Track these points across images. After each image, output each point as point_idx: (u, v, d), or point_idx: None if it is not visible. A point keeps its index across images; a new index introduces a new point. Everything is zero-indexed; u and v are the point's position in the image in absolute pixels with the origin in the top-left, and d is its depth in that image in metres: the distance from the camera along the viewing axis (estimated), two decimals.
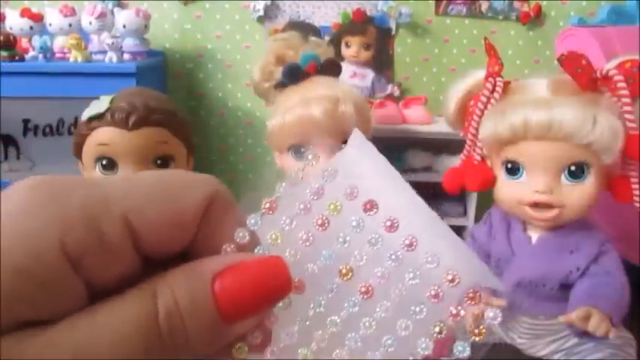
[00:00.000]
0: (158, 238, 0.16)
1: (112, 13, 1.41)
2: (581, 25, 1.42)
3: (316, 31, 1.59)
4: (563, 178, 0.81)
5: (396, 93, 1.61)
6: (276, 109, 0.99)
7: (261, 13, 1.62)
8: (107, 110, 0.84)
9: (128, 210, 0.16)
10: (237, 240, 0.18)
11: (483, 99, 0.85)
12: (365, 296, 0.19)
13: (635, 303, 0.84)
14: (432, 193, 1.43)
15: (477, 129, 0.86)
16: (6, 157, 1.37)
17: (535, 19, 1.63)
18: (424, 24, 1.65)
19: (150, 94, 0.91)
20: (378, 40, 1.58)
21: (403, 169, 1.44)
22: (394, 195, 0.20)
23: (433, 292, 0.19)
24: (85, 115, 0.86)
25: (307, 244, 0.19)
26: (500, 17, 1.64)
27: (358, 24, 1.54)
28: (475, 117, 0.86)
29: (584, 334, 0.81)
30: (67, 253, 0.14)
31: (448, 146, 1.42)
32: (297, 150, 0.98)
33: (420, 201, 0.20)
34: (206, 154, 1.74)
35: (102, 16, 1.37)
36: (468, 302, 0.19)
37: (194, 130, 0.98)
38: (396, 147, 1.44)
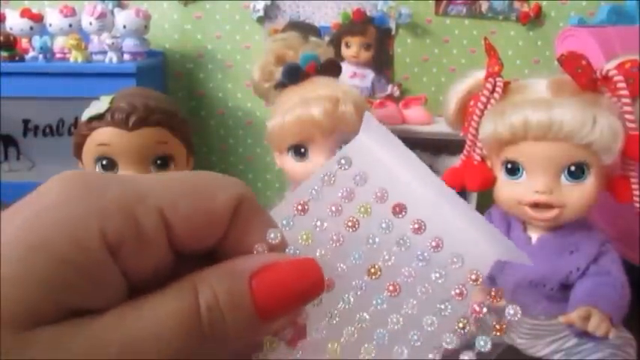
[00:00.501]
0: (190, 234, 0.17)
1: (112, 13, 1.41)
2: (581, 26, 1.42)
3: (316, 31, 1.59)
4: (563, 179, 0.81)
5: (396, 93, 1.61)
6: (276, 110, 0.99)
7: (261, 13, 1.62)
8: (107, 110, 0.84)
9: (163, 204, 0.16)
10: (269, 240, 0.18)
11: (483, 99, 0.85)
12: (393, 294, 0.20)
13: (635, 303, 0.84)
14: None
15: (476, 129, 0.86)
16: (6, 158, 1.37)
17: (535, 19, 1.63)
18: (424, 24, 1.65)
19: (150, 94, 0.91)
20: (378, 40, 1.57)
21: None
22: (410, 179, 0.21)
23: (458, 291, 0.20)
24: (85, 115, 0.86)
25: (337, 244, 0.20)
26: (500, 17, 1.64)
27: (358, 24, 1.54)
28: (475, 117, 0.86)
29: (584, 335, 0.81)
30: (106, 242, 0.15)
31: (448, 146, 1.42)
32: (297, 150, 0.98)
33: (436, 181, 0.21)
34: (206, 154, 1.74)
35: (102, 16, 1.37)
36: (489, 299, 0.20)
37: (194, 130, 0.98)
38: None
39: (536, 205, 0.83)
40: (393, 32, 1.64)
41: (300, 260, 0.18)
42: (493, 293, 0.20)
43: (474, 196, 1.40)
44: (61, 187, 0.15)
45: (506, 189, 0.86)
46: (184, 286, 0.16)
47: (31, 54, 1.40)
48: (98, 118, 0.84)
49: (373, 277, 0.20)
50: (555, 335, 0.88)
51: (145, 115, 0.84)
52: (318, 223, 0.20)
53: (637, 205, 0.81)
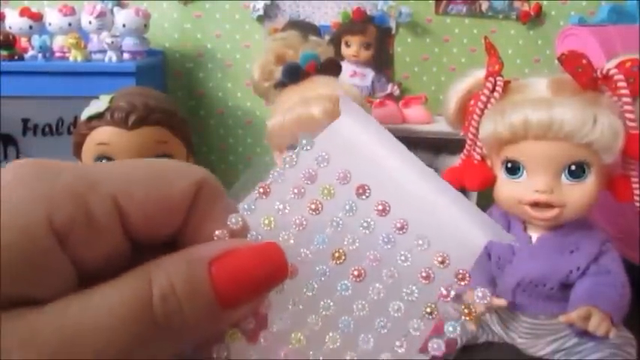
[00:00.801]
0: (147, 221, 0.16)
1: (112, 12, 1.41)
2: (582, 25, 1.42)
3: (316, 31, 1.59)
4: (564, 178, 0.81)
5: (396, 92, 1.61)
6: (275, 109, 0.99)
7: (261, 12, 1.62)
8: (107, 110, 0.84)
9: (117, 191, 0.16)
10: (231, 225, 0.18)
11: (483, 98, 0.84)
12: (357, 279, 0.19)
13: (636, 302, 0.84)
14: None
15: (477, 128, 0.86)
16: (5, 157, 1.37)
17: (535, 18, 1.63)
18: (424, 23, 1.65)
19: (149, 93, 0.91)
20: (378, 39, 1.57)
21: None
22: (391, 161, 0.20)
23: (424, 274, 0.19)
24: (85, 114, 0.86)
25: (300, 228, 0.19)
26: (501, 17, 1.64)
27: (358, 23, 1.54)
28: (475, 116, 0.86)
29: (585, 334, 0.81)
30: (54, 228, 0.14)
31: (448, 146, 1.42)
32: None
33: (416, 163, 0.20)
34: (206, 153, 1.74)
35: (101, 15, 1.36)
36: (457, 282, 0.19)
37: (194, 129, 0.98)
38: None
39: (536, 205, 0.83)
40: (393, 31, 1.64)
41: (262, 245, 0.17)
42: (460, 275, 0.19)
43: (474, 196, 1.40)
44: (13, 175, 0.15)
45: (507, 188, 0.86)
46: (138, 274, 0.15)
47: (31, 53, 1.40)
48: (98, 117, 0.84)
49: (337, 261, 0.19)
50: (556, 335, 0.88)
51: (145, 115, 0.84)
52: (281, 207, 0.19)
53: (637, 204, 0.81)
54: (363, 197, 0.19)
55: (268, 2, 1.61)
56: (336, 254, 0.19)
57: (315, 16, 1.63)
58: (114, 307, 0.15)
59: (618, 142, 0.77)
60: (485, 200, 1.29)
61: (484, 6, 1.62)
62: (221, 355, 0.17)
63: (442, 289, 0.19)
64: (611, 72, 0.77)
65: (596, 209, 0.88)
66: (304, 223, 0.19)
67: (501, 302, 0.84)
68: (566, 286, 0.85)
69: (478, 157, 0.88)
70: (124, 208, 0.16)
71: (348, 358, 0.18)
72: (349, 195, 0.20)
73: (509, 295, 0.87)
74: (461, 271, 0.19)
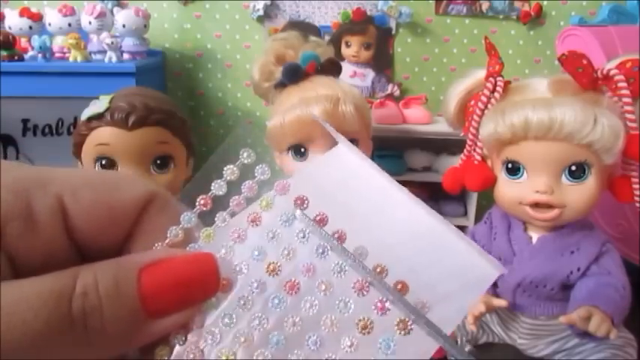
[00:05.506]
0: (91, 226, 0.16)
1: (112, 12, 1.41)
2: (582, 25, 1.42)
3: (316, 31, 1.59)
4: (564, 178, 0.81)
5: (396, 93, 1.60)
6: (275, 109, 0.99)
7: (261, 12, 1.62)
8: (106, 110, 0.84)
9: (64, 192, 0.16)
10: (170, 237, 0.18)
11: (484, 99, 0.84)
12: (291, 292, 0.18)
13: (636, 303, 0.84)
14: (432, 193, 1.43)
15: (477, 129, 0.86)
16: (5, 157, 1.37)
17: (536, 18, 1.63)
18: (424, 24, 1.65)
19: (149, 93, 0.91)
20: (378, 39, 1.57)
21: (403, 169, 1.44)
22: (385, 187, 0.21)
23: (358, 285, 0.18)
24: (85, 114, 0.86)
25: (239, 240, 0.19)
26: (501, 17, 1.63)
27: (358, 23, 1.54)
28: (475, 117, 0.86)
29: (585, 335, 0.81)
30: None
31: (448, 146, 1.42)
32: (297, 150, 0.98)
33: (376, 184, 0.20)
34: (206, 153, 1.74)
35: (101, 15, 1.36)
36: (395, 293, 0.18)
37: (194, 130, 0.97)
38: (396, 147, 1.44)
39: (536, 205, 0.82)
40: (394, 31, 1.64)
41: (195, 255, 0.17)
42: (399, 286, 0.18)
43: (474, 196, 1.40)
44: None
45: (507, 189, 0.86)
46: (67, 271, 0.15)
47: (30, 53, 1.40)
48: (97, 117, 0.84)
49: (272, 274, 0.19)
50: (556, 335, 0.88)
51: (145, 115, 0.84)
52: (221, 219, 0.19)
53: (638, 204, 0.81)
54: (302, 208, 0.19)
55: (268, 2, 1.61)
56: (271, 267, 0.19)
57: (315, 16, 1.63)
58: (30, 297, 0.14)
59: (618, 142, 0.77)
60: (486, 200, 1.29)
61: (484, 6, 1.62)
62: None
63: (377, 301, 0.18)
64: (612, 72, 0.77)
65: (596, 210, 0.88)
66: (242, 235, 0.19)
67: (502, 303, 0.84)
68: (566, 287, 0.85)
69: (478, 158, 0.88)
70: (69, 209, 0.16)
71: None
72: (287, 205, 0.19)
73: (509, 296, 0.87)
74: (401, 281, 0.18)
